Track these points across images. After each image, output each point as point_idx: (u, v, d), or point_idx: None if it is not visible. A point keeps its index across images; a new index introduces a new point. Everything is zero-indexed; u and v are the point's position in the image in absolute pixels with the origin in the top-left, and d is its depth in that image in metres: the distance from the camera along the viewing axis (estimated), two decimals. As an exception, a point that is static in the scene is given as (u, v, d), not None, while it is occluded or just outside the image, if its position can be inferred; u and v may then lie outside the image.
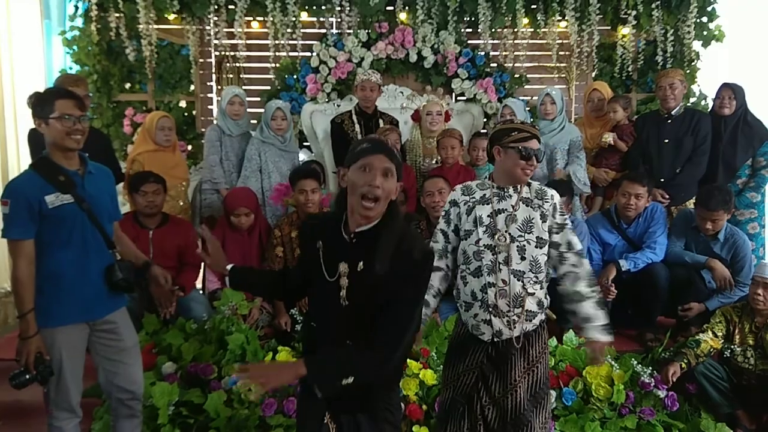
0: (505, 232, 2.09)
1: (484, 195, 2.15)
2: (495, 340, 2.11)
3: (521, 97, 4.76)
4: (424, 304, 2.06)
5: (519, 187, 2.13)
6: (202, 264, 3.73)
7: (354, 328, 1.65)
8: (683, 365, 2.96)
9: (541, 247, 2.10)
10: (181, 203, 3.93)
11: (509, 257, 2.08)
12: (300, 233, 1.87)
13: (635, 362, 3.04)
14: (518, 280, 2.08)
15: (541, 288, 2.12)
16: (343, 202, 1.70)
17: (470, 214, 2.15)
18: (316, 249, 1.72)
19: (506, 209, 2.11)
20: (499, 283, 2.08)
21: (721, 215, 3.36)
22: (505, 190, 2.14)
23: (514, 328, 2.09)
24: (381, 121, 4.16)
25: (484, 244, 2.10)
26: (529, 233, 2.09)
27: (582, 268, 2.14)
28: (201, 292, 3.65)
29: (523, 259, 2.08)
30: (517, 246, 2.08)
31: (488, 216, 2.11)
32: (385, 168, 1.62)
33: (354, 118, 4.16)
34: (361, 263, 1.65)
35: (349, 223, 1.69)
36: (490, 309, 2.08)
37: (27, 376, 2.14)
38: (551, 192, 2.15)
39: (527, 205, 2.11)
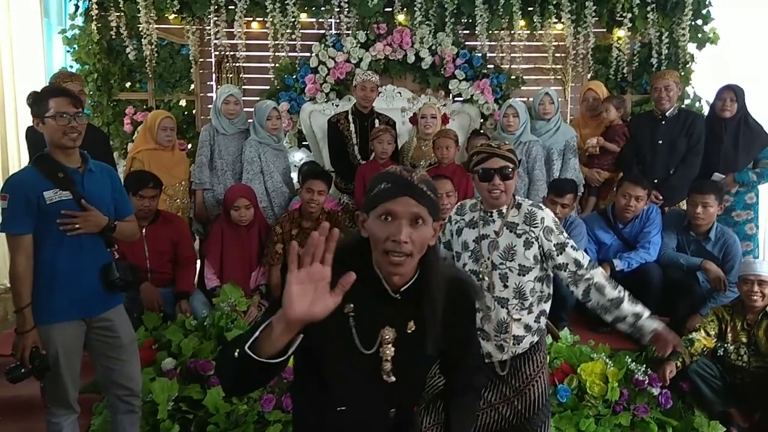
0: (487, 259, 2.07)
1: (473, 218, 2.14)
2: (486, 361, 2.11)
3: (517, 99, 4.79)
4: None
5: (504, 210, 2.09)
6: (199, 261, 3.78)
7: (399, 404, 1.39)
8: (678, 364, 2.99)
9: (524, 275, 2.06)
10: (178, 201, 3.94)
11: (492, 284, 2.08)
12: None
13: (629, 360, 3.08)
14: (502, 306, 2.08)
15: (529, 313, 2.10)
16: (366, 254, 1.33)
17: (459, 235, 2.15)
18: (343, 315, 1.29)
19: (489, 235, 2.09)
20: (484, 308, 2.08)
21: (711, 200, 3.39)
22: (490, 214, 2.11)
23: (504, 351, 2.09)
24: (377, 122, 4.16)
25: (469, 269, 2.10)
26: (510, 261, 2.06)
27: (598, 276, 2.06)
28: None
29: (505, 286, 2.08)
30: (499, 273, 2.07)
31: (473, 241, 2.11)
32: (413, 214, 1.26)
33: (350, 117, 4.18)
34: (411, 323, 1.33)
35: (382, 281, 1.32)
36: (478, 332, 2.07)
37: (23, 371, 2.15)
38: (542, 214, 2.08)
39: (511, 231, 2.07)
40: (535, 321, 2.11)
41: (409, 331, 1.33)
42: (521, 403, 2.13)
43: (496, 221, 2.09)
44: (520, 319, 2.08)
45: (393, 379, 1.32)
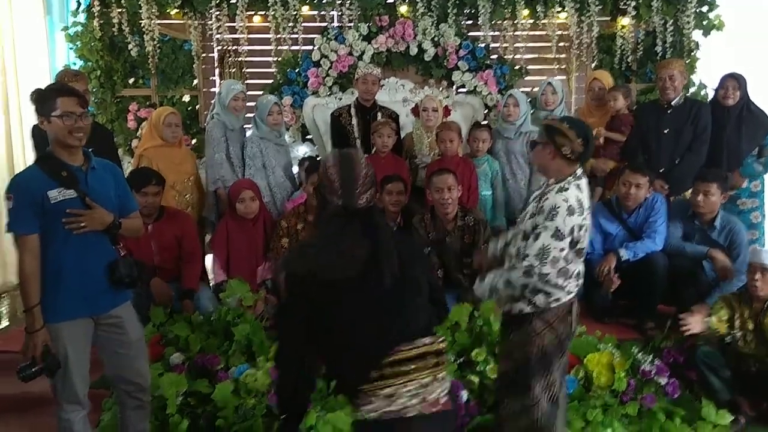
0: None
1: None
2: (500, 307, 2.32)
3: (521, 89, 4.78)
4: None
5: (552, 181, 2.23)
6: (206, 255, 3.80)
7: None
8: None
9: (525, 240, 2.17)
10: (188, 197, 3.90)
11: (510, 241, 2.33)
12: None
13: (636, 350, 3.08)
14: (509, 262, 2.25)
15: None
16: None
17: None
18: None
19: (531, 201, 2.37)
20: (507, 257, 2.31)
21: (713, 189, 3.38)
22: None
23: (501, 305, 2.28)
24: (379, 115, 4.15)
25: None
26: (522, 223, 2.26)
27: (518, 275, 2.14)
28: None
29: (514, 245, 2.25)
30: (514, 234, 2.29)
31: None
32: None
33: (352, 111, 4.17)
34: None
35: None
36: None
37: (34, 369, 2.16)
38: (552, 197, 2.15)
39: (538, 202, 2.24)
40: (530, 292, 2.15)
41: None
42: (505, 364, 2.31)
43: (541, 188, 2.30)
44: None
45: None
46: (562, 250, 2.10)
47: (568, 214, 2.08)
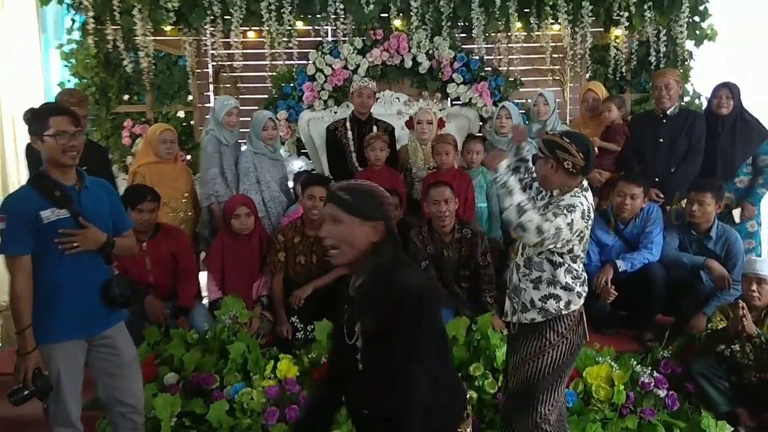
0: None
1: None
2: (507, 319, 2.36)
3: (516, 100, 4.79)
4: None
5: (556, 193, 2.28)
6: (201, 272, 3.77)
7: (369, 398, 1.50)
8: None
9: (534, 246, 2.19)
10: (182, 214, 3.90)
11: (517, 249, 2.34)
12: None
13: (635, 362, 3.06)
14: (517, 271, 2.29)
15: (535, 288, 2.23)
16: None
17: None
18: (344, 310, 1.58)
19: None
20: (513, 266, 2.36)
21: (708, 199, 3.38)
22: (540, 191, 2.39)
23: (513, 314, 2.29)
24: (375, 128, 4.15)
25: None
26: None
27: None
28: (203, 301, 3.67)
29: (522, 254, 2.30)
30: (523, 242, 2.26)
31: None
32: (328, 214, 1.51)
33: (348, 125, 4.17)
34: (359, 323, 1.50)
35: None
36: (507, 291, 2.40)
37: (26, 392, 2.13)
38: (567, 199, 2.22)
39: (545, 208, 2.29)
40: (540, 300, 2.22)
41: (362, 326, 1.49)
42: (518, 376, 2.26)
43: (545, 199, 2.34)
44: (525, 290, 2.25)
45: (361, 367, 1.51)
46: (569, 241, 2.18)
47: (580, 216, 2.16)
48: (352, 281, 1.56)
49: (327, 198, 1.54)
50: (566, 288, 2.22)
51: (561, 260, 2.23)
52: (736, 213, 3.88)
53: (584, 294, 2.29)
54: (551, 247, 2.17)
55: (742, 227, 3.83)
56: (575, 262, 2.25)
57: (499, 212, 2.46)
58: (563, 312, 2.22)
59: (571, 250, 2.22)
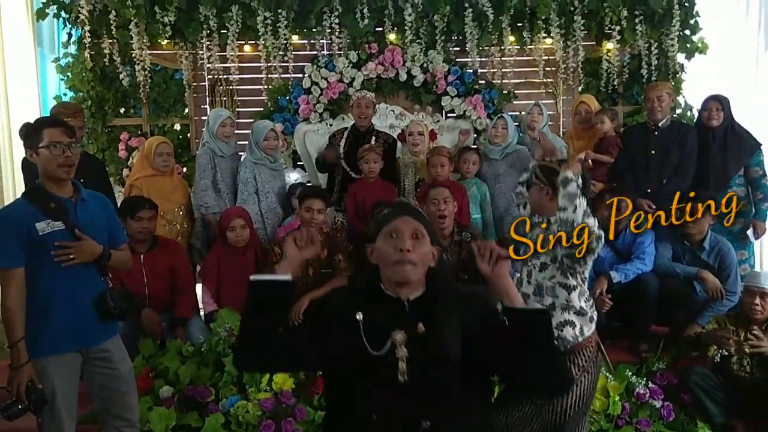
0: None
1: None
2: None
3: (510, 113, 4.83)
4: None
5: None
6: (196, 286, 3.77)
7: (422, 408, 1.42)
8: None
9: (542, 270, 2.16)
10: (178, 227, 3.91)
11: (520, 280, 2.23)
12: (316, 311, 1.62)
13: (630, 373, 3.07)
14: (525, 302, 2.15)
15: None
16: (374, 278, 1.55)
17: None
18: (354, 323, 1.47)
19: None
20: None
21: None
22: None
23: None
24: (374, 139, 4.17)
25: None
26: (535, 258, 2.19)
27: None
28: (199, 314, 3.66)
29: (528, 283, 2.21)
30: (527, 270, 2.23)
31: None
32: (413, 229, 1.51)
33: (345, 133, 4.23)
34: (421, 325, 1.45)
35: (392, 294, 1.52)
36: None
37: (20, 407, 2.11)
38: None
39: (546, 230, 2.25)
40: (556, 329, 2.11)
41: (419, 332, 1.44)
42: (547, 412, 2.11)
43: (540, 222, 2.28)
44: None
45: (405, 378, 1.41)
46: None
47: None
48: (404, 295, 1.50)
49: (407, 212, 1.55)
50: (580, 313, 2.16)
51: (575, 283, 2.17)
52: (750, 233, 3.94)
53: (596, 319, 2.22)
54: (578, 267, 2.12)
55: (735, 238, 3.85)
56: (585, 284, 2.21)
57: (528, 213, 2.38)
58: (580, 339, 2.13)
59: (583, 271, 2.19)
